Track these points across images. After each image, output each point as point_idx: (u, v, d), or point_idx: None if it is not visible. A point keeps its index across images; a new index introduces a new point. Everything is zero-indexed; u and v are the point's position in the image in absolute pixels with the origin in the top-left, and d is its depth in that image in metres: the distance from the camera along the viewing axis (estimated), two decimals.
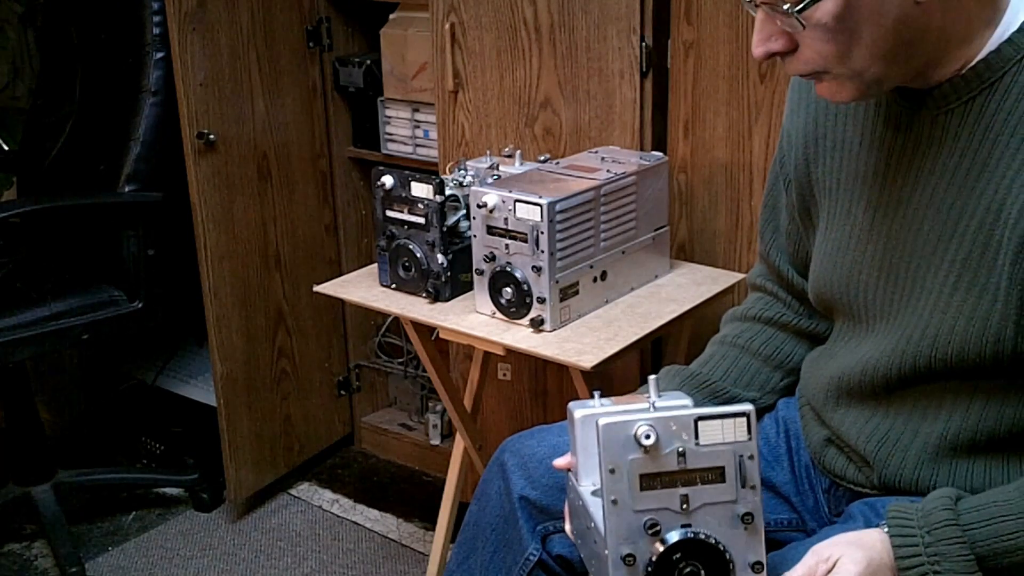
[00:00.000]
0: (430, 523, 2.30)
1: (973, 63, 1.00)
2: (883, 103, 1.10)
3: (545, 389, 2.14)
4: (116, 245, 2.16)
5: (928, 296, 1.05)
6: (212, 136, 2.13)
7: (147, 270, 2.15)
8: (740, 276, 1.78)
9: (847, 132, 1.15)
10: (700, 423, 0.93)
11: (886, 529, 0.99)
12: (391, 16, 2.30)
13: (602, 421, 0.93)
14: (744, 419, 0.94)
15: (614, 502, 0.92)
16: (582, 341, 1.56)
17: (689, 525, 0.94)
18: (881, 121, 1.11)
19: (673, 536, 0.93)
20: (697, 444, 0.93)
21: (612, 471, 0.92)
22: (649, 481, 0.93)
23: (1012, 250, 0.97)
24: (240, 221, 2.25)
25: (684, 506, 0.93)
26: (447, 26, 1.99)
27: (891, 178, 1.09)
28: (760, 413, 1.32)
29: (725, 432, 0.93)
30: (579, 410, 1.04)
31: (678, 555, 0.93)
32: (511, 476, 1.28)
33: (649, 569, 0.93)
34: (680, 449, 0.93)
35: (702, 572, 0.93)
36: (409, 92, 2.29)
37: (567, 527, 1.13)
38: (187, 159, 2.11)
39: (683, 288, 1.75)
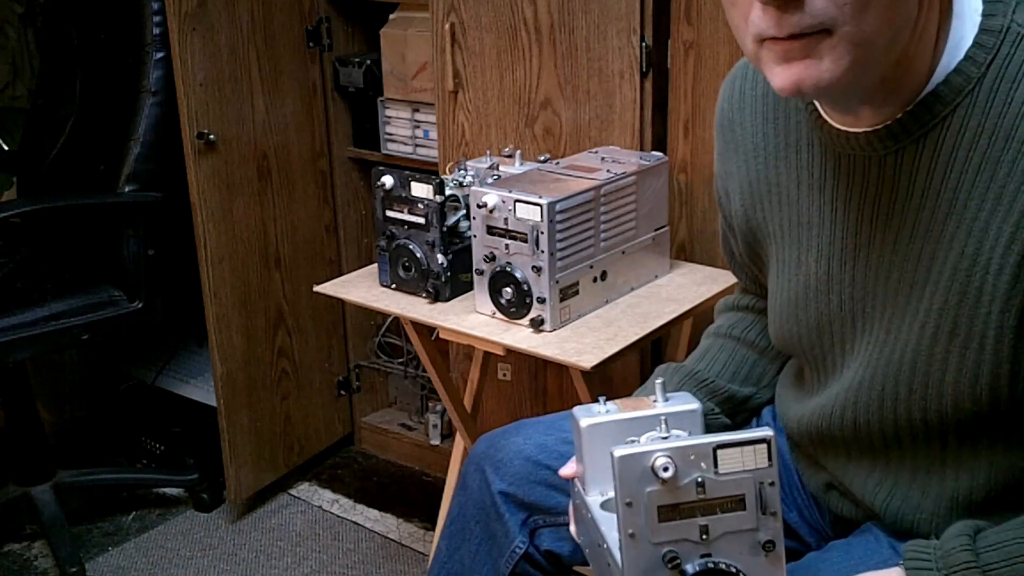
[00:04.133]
0: (430, 523, 2.30)
1: (921, 97, 0.93)
2: (817, 144, 1.04)
3: (545, 389, 2.14)
4: (116, 245, 2.16)
5: (905, 347, 0.99)
6: (212, 136, 2.13)
7: (147, 270, 2.15)
8: None
9: (780, 177, 1.09)
10: (719, 452, 0.89)
11: (904, 568, 0.94)
12: (391, 16, 2.30)
13: (617, 453, 0.89)
14: (764, 446, 0.90)
15: (632, 535, 0.89)
16: (582, 341, 1.56)
17: (709, 555, 0.90)
18: (817, 166, 1.04)
19: (693, 567, 0.90)
20: (716, 473, 0.89)
21: (629, 504, 0.89)
22: (668, 513, 0.89)
23: (1000, 299, 0.92)
24: (240, 221, 2.25)
25: (704, 536, 0.90)
26: (447, 26, 1.99)
27: (841, 224, 1.03)
28: (759, 408, 1.30)
29: (745, 459, 0.90)
30: (584, 418, 1.01)
31: None
32: (489, 476, 1.27)
33: None
34: (699, 479, 0.89)
35: None
36: (409, 92, 2.29)
37: (572, 528, 1.10)
38: (187, 159, 2.11)
39: (683, 288, 1.75)
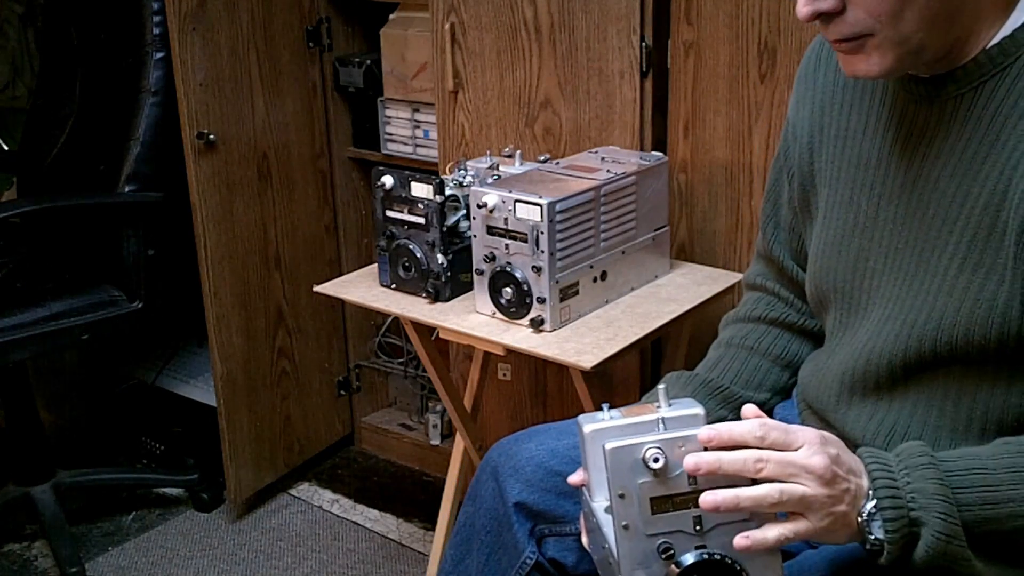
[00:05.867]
0: (430, 523, 2.30)
1: (987, 47, 1.00)
2: (890, 91, 1.11)
3: (545, 389, 2.15)
4: (116, 245, 2.16)
5: (933, 279, 1.05)
6: (212, 136, 2.13)
7: (147, 270, 2.15)
8: (740, 276, 1.78)
9: (851, 121, 1.15)
10: None
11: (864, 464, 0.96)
12: (391, 16, 2.31)
13: (608, 445, 0.90)
14: None
15: (625, 527, 0.90)
16: (582, 341, 1.56)
17: (704, 546, 0.91)
18: (886, 109, 1.11)
19: (688, 558, 0.91)
20: None
21: (622, 496, 0.90)
22: (660, 504, 0.90)
23: (1016, 230, 0.97)
24: (240, 221, 2.25)
25: (698, 527, 0.91)
26: (447, 26, 1.99)
27: (895, 165, 1.09)
28: (769, 414, 1.31)
29: None
30: (588, 424, 1.01)
31: None
32: (504, 482, 1.26)
33: None
34: None
35: None
36: (409, 92, 2.29)
37: (584, 539, 1.10)
38: (187, 159, 2.11)
39: (683, 288, 1.75)
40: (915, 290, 1.07)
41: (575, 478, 1.09)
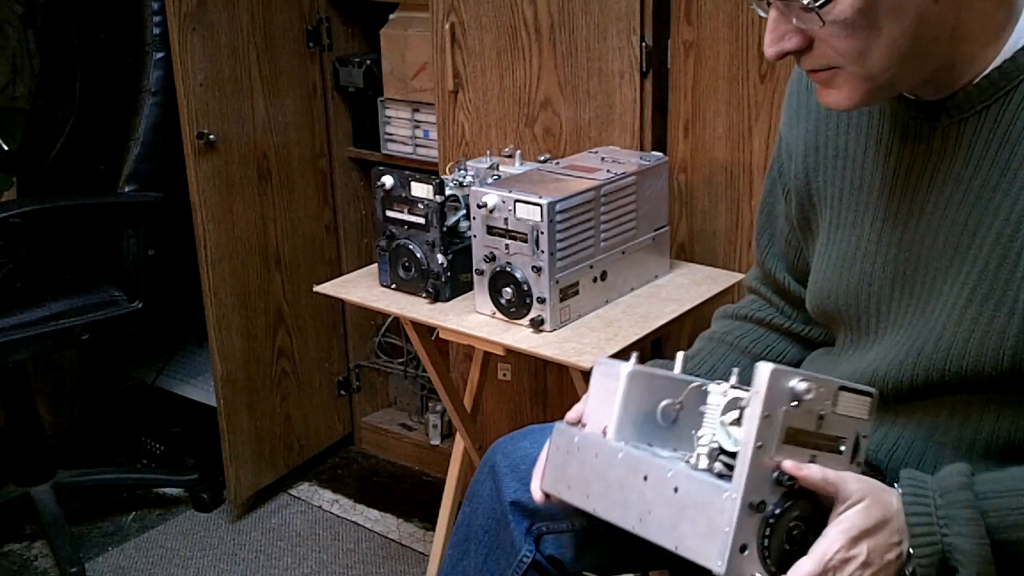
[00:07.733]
0: (430, 523, 2.30)
1: (987, 72, 0.98)
2: (889, 113, 1.09)
3: (545, 389, 2.15)
4: (116, 245, 2.16)
5: (942, 308, 1.03)
6: (212, 136, 2.13)
7: (147, 270, 2.16)
8: (740, 276, 1.78)
9: (850, 142, 1.13)
10: (841, 393, 0.95)
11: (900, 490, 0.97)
12: (391, 16, 2.31)
13: (769, 367, 0.93)
14: (870, 399, 0.97)
15: (760, 447, 0.92)
16: (582, 341, 1.56)
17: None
18: (887, 131, 1.09)
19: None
20: (834, 412, 0.95)
21: (767, 416, 0.92)
22: (792, 435, 0.94)
23: None
24: (240, 221, 2.25)
25: (812, 460, 0.95)
26: (447, 26, 1.99)
27: (900, 189, 1.07)
28: None
29: (858, 407, 0.96)
30: (624, 366, 1.06)
31: (796, 513, 0.94)
32: (502, 480, 1.27)
33: (770, 520, 0.93)
34: (822, 412, 0.94)
35: (805, 529, 0.95)
36: (409, 92, 2.30)
37: (534, 484, 1.12)
38: (187, 159, 2.11)
39: (683, 288, 1.75)
40: (925, 318, 1.05)
41: (573, 415, 1.11)
